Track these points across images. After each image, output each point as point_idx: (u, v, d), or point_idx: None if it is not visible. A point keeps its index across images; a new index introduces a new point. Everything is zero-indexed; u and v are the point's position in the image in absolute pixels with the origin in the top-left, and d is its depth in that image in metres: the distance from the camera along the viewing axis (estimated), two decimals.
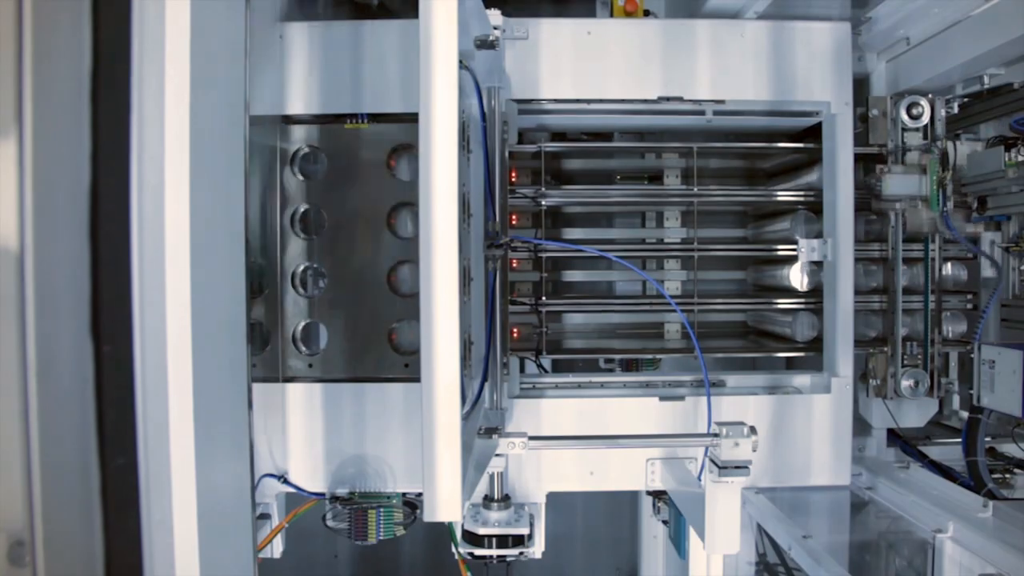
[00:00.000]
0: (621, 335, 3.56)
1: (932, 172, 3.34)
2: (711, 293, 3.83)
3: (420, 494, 3.31)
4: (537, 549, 3.25)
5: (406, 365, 3.35)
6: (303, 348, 3.39)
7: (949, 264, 3.62)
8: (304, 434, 3.33)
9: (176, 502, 1.55)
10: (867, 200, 3.56)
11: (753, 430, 2.62)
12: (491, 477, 3.13)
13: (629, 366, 4.21)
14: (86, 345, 1.45)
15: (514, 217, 3.35)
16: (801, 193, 3.62)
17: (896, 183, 3.39)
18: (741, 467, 2.60)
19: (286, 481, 3.28)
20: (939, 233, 3.49)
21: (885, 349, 3.59)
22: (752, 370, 3.84)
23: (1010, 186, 3.06)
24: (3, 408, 1.40)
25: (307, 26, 3.35)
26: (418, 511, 3.26)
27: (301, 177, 3.39)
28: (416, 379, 3.08)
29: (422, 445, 2.14)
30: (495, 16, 3.01)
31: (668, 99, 3.37)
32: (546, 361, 3.89)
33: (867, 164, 3.58)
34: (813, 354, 3.59)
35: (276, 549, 3.33)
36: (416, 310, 2.21)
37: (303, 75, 3.34)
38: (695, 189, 3.58)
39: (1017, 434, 3.38)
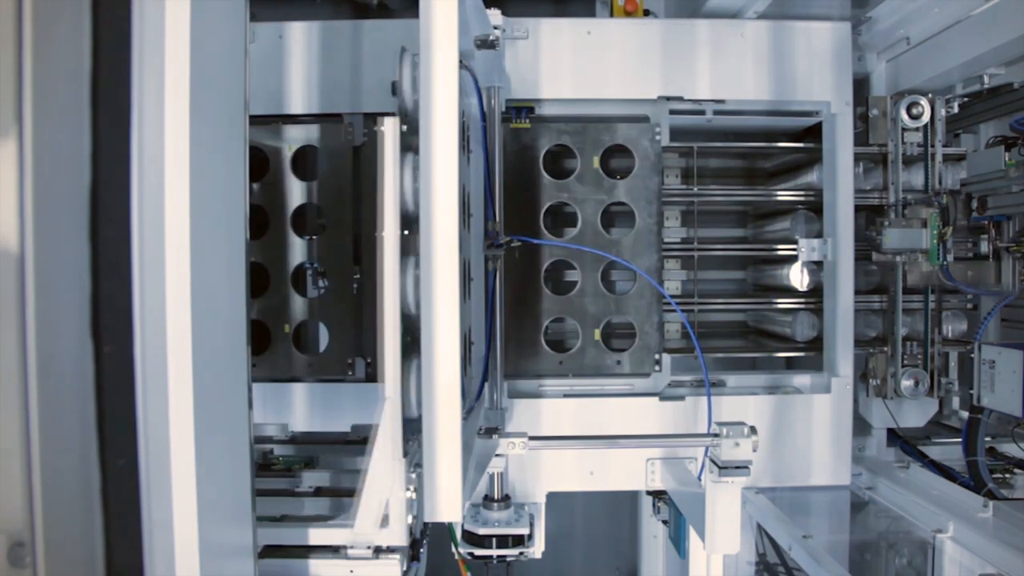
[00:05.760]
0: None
1: (933, 226, 3.35)
2: (711, 293, 3.83)
3: None
4: (537, 549, 3.25)
5: None
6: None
7: (949, 313, 3.64)
8: None
9: (176, 502, 1.54)
10: (867, 252, 3.58)
11: (753, 430, 2.63)
12: (491, 477, 3.13)
13: None
14: (86, 345, 1.45)
15: None
16: (801, 193, 3.62)
17: (896, 237, 3.40)
18: (741, 467, 2.60)
19: None
20: (940, 284, 3.51)
21: (885, 349, 3.59)
22: (752, 370, 3.84)
23: (1010, 186, 3.05)
24: (3, 408, 1.39)
25: (307, 26, 3.35)
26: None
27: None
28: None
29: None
30: (495, 16, 3.01)
31: (668, 99, 3.38)
32: None
33: (868, 214, 3.60)
34: (813, 354, 3.59)
35: None
36: None
37: (303, 75, 3.34)
38: (695, 189, 3.58)
39: (1017, 434, 3.38)
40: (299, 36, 3.34)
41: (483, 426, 2.72)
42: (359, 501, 2.34)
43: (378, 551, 2.43)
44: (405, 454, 2.26)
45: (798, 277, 3.55)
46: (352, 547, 2.40)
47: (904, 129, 3.50)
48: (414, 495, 2.31)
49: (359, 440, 3.46)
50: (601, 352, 3.40)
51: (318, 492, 2.98)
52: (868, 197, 3.57)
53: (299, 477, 3.05)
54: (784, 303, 3.65)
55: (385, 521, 2.35)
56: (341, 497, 2.90)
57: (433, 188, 2.12)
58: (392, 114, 2.28)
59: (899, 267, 3.50)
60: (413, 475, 2.32)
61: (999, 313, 3.50)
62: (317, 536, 2.45)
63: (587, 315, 3.39)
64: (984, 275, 3.42)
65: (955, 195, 3.42)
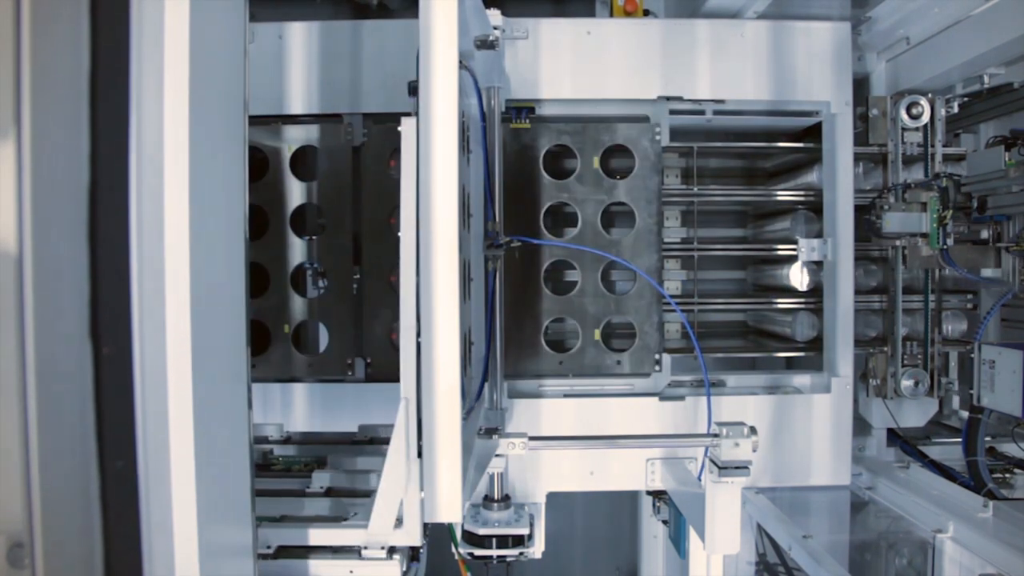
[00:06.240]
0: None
1: (932, 210, 3.33)
2: (711, 293, 3.83)
3: None
4: (537, 549, 3.25)
5: None
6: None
7: (949, 313, 3.63)
8: None
9: (175, 503, 1.54)
10: (867, 252, 3.57)
11: (753, 430, 2.62)
12: (491, 477, 3.13)
13: None
14: (86, 346, 1.45)
15: None
16: (801, 193, 3.62)
17: (897, 221, 3.38)
18: (741, 467, 2.60)
19: None
20: (939, 269, 3.49)
21: (885, 349, 3.59)
22: (752, 370, 3.84)
23: (1010, 186, 3.05)
24: (3, 409, 1.39)
25: (307, 26, 3.35)
26: None
27: None
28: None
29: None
30: (495, 16, 3.01)
31: (668, 99, 3.37)
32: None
33: (865, 207, 3.58)
34: (813, 354, 3.59)
35: None
36: None
37: (303, 75, 3.34)
38: (695, 189, 3.57)
39: (1017, 434, 3.38)
40: (299, 36, 3.34)
41: (483, 426, 2.72)
42: (375, 501, 2.34)
43: (392, 551, 2.45)
44: (420, 454, 2.26)
45: (798, 277, 3.54)
46: (367, 547, 2.41)
47: (904, 129, 3.49)
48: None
49: (366, 440, 3.47)
50: (601, 352, 3.40)
51: (328, 492, 2.99)
52: (868, 197, 3.57)
53: (309, 477, 3.08)
54: (784, 303, 3.65)
55: (399, 522, 2.35)
56: (352, 497, 2.92)
57: (433, 188, 2.11)
58: (410, 114, 2.28)
59: (899, 252, 3.48)
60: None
61: (1000, 313, 3.50)
62: (332, 537, 2.46)
63: (587, 315, 3.39)
64: (984, 260, 3.39)
65: (954, 178, 3.40)
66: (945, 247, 3.31)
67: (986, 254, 3.36)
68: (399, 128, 2.31)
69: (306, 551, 2.51)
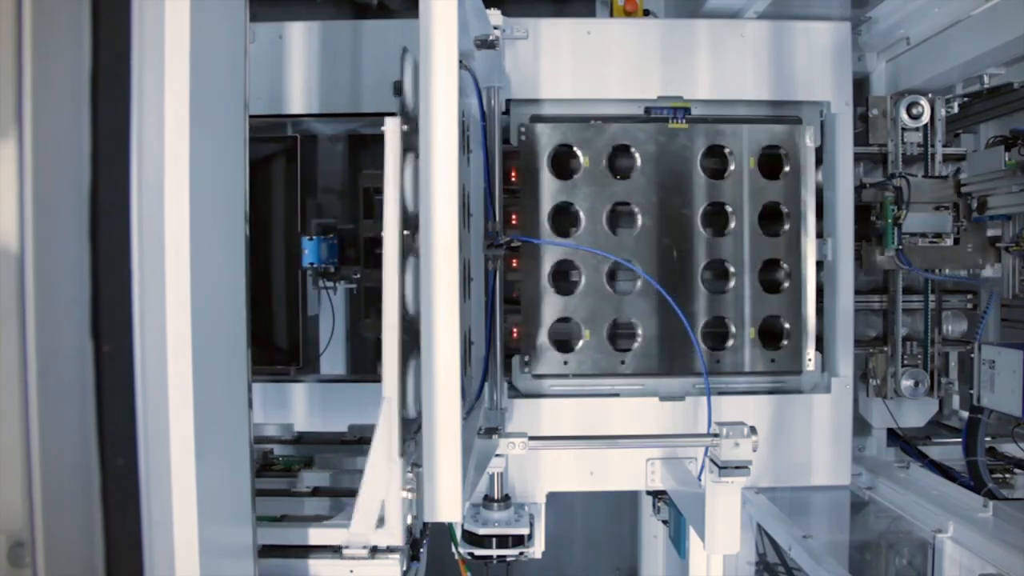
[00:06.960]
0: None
1: (887, 211, 3.33)
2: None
3: None
4: (537, 549, 3.25)
5: None
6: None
7: (949, 313, 3.63)
8: None
9: (176, 502, 1.55)
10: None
11: (753, 430, 2.62)
12: (491, 477, 3.13)
13: None
14: (86, 345, 1.45)
15: (515, 217, 3.35)
16: None
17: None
18: (741, 467, 2.60)
19: None
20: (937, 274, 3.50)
21: (885, 349, 3.59)
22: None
23: (1010, 186, 3.05)
24: (3, 408, 1.39)
25: (307, 26, 3.36)
26: None
27: None
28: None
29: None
30: (495, 16, 3.01)
31: (668, 99, 3.38)
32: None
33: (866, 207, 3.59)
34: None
35: None
36: None
37: (303, 75, 3.35)
38: None
39: (1017, 434, 3.38)
40: (299, 36, 3.35)
41: (483, 426, 2.72)
42: (356, 501, 2.34)
43: (375, 551, 2.44)
44: (402, 454, 2.26)
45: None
46: (348, 547, 2.41)
47: (904, 129, 3.50)
48: (411, 495, 2.31)
49: (355, 440, 3.47)
50: (608, 351, 3.38)
51: (315, 492, 2.99)
52: (867, 148, 3.54)
53: (298, 477, 3.07)
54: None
55: (381, 521, 2.35)
56: (340, 497, 2.92)
57: (433, 188, 2.11)
58: (394, 114, 2.28)
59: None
60: (411, 475, 2.31)
61: (1000, 313, 3.50)
62: (314, 536, 2.45)
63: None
64: (985, 259, 3.38)
65: (907, 178, 3.37)
66: (900, 247, 3.30)
67: (986, 254, 3.36)
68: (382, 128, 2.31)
69: (306, 551, 2.50)
